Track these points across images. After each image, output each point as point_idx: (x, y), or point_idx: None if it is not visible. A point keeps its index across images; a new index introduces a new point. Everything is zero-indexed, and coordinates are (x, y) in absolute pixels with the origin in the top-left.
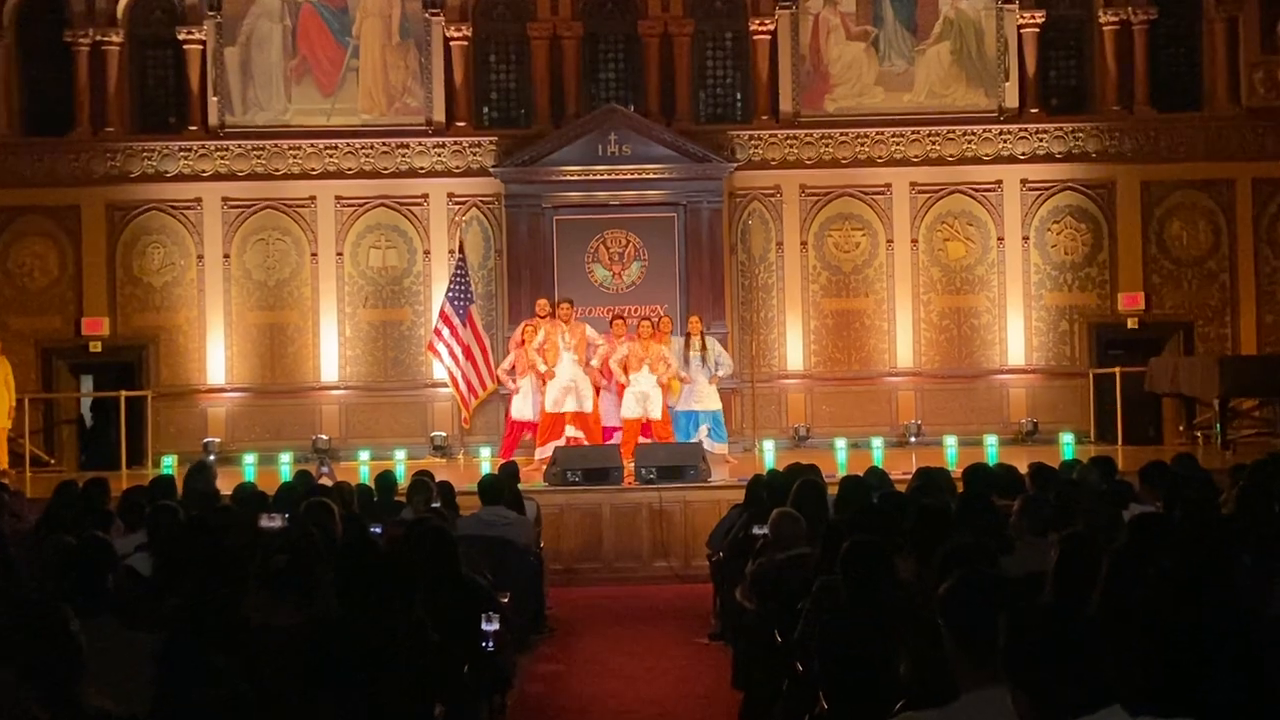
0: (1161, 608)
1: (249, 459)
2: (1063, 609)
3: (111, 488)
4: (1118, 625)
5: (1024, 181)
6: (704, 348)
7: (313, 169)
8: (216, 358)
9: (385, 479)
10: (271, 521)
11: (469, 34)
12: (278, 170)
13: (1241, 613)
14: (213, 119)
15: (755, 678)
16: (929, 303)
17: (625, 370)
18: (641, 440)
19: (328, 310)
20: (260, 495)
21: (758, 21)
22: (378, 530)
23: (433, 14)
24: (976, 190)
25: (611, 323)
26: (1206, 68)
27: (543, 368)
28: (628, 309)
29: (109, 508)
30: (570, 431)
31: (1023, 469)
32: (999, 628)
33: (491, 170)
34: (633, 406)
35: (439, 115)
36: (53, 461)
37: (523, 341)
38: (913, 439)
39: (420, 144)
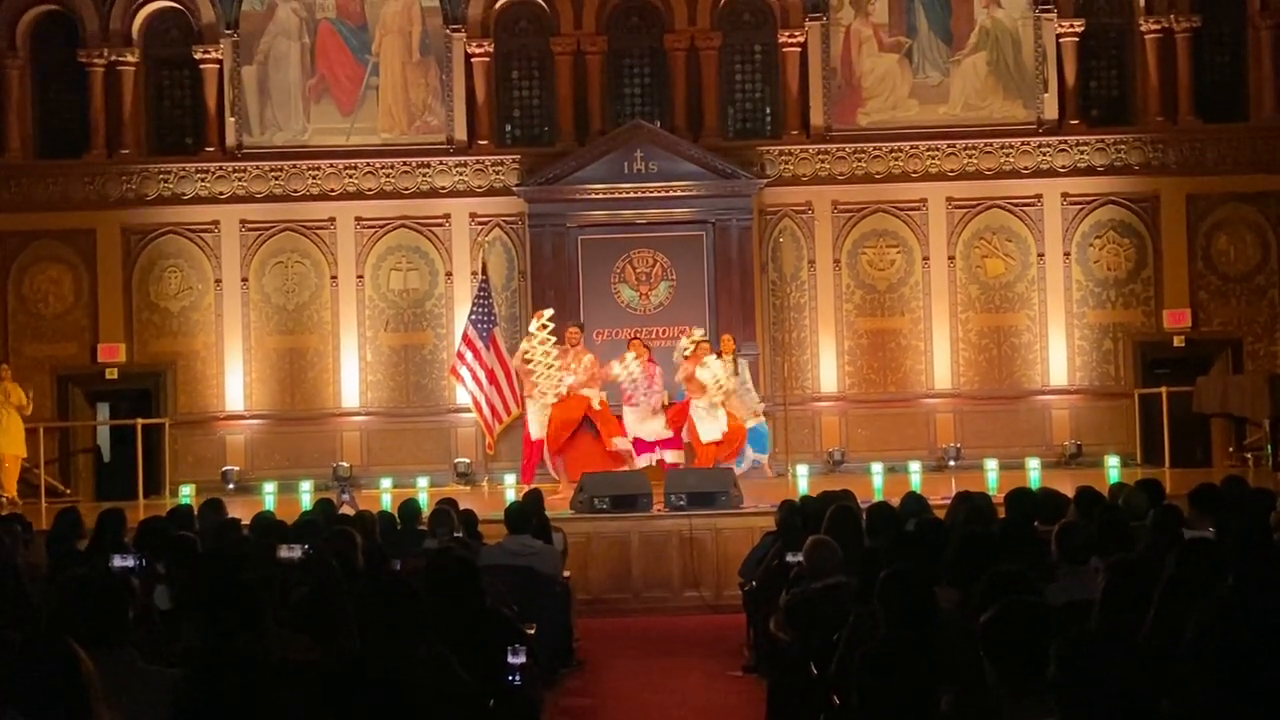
0: (1215, 637)
1: (269, 488)
2: (1115, 638)
3: (129, 518)
4: (1169, 655)
5: (1065, 195)
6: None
7: (332, 190)
8: (235, 384)
9: (408, 507)
10: (291, 552)
11: (491, 50)
12: (296, 191)
13: None
14: (230, 140)
15: (790, 712)
16: (967, 321)
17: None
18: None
19: (348, 334)
20: (279, 525)
21: (787, 33)
22: (397, 566)
23: (454, 30)
24: (1015, 205)
25: (629, 343)
26: (1252, 76)
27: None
28: (654, 330)
29: (124, 539)
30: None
31: (1067, 493)
32: (1051, 658)
33: (514, 189)
34: (715, 430)
35: (460, 133)
36: (68, 492)
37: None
38: (952, 463)
39: (442, 163)
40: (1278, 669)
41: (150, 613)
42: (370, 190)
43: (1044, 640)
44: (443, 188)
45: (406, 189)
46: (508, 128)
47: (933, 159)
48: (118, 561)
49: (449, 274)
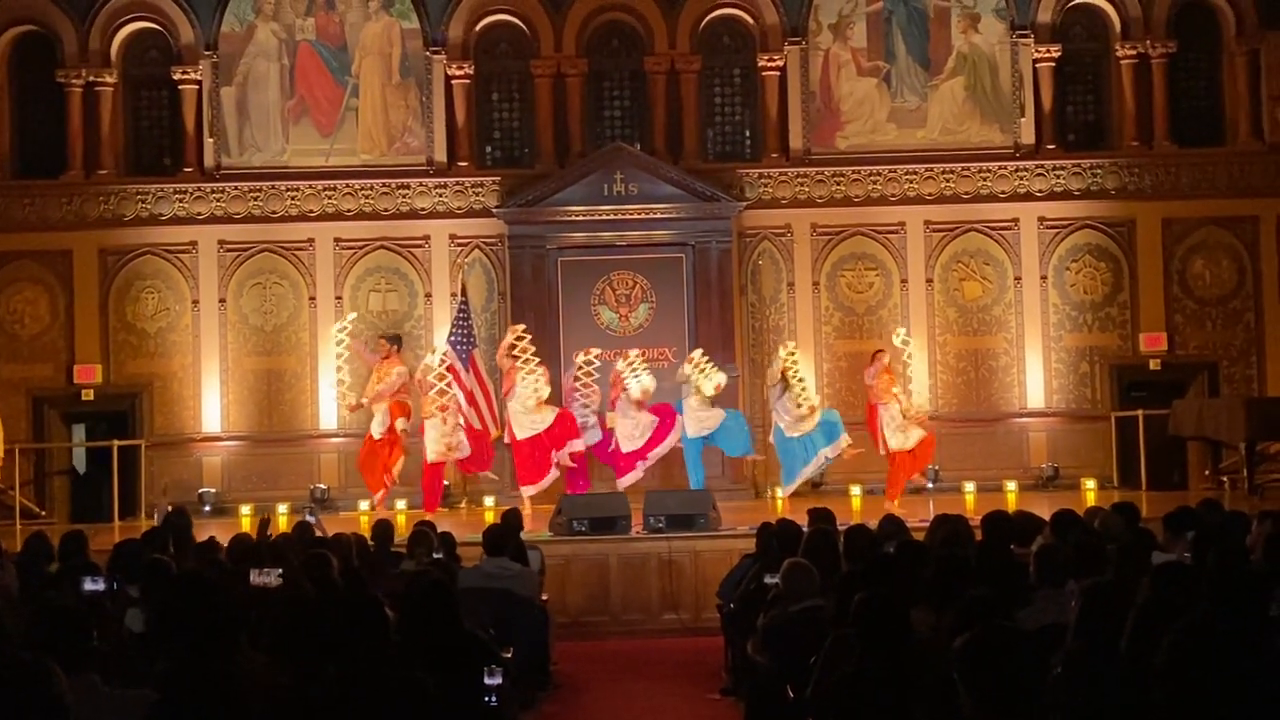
0: (1189, 662)
1: (245, 510)
2: (1095, 662)
3: (104, 540)
4: (1144, 681)
5: (1041, 219)
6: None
7: (311, 211)
8: (212, 405)
9: (382, 530)
10: (264, 577)
11: (471, 72)
12: (275, 212)
13: (1273, 666)
14: (209, 160)
15: None
16: (945, 344)
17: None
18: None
19: (326, 355)
20: (255, 548)
21: (767, 57)
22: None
23: (434, 52)
24: (993, 229)
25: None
26: (1228, 102)
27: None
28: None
29: (93, 561)
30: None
31: (1044, 515)
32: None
33: (494, 211)
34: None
35: (440, 155)
36: (44, 514)
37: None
38: (930, 485)
39: (421, 184)
40: (1249, 693)
41: (122, 636)
42: (349, 211)
43: (1017, 665)
44: (422, 209)
45: (386, 210)
46: (488, 149)
47: (911, 183)
48: (88, 585)
49: (428, 295)
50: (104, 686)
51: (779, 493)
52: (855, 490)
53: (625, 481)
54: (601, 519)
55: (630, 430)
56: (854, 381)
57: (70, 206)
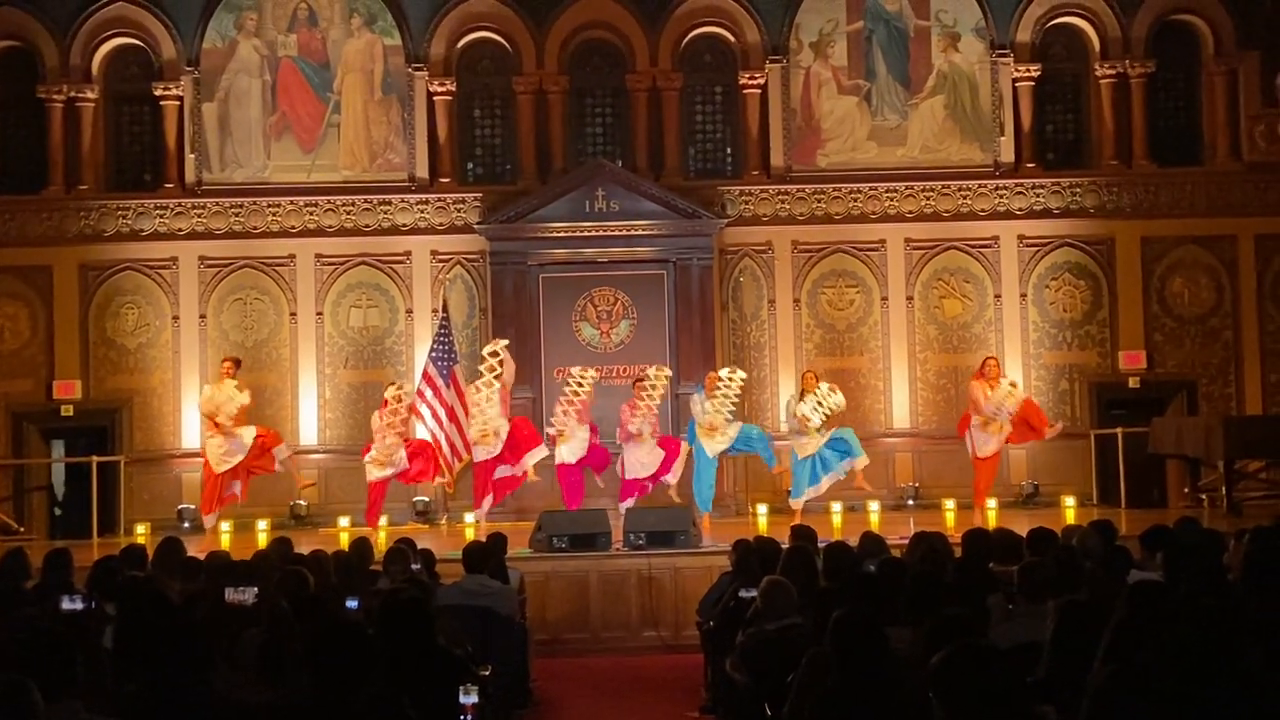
0: (1164, 680)
1: (225, 526)
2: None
3: (83, 557)
4: (1119, 698)
5: (1021, 237)
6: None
7: (292, 227)
8: (191, 421)
9: (360, 546)
10: (240, 595)
11: (453, 89)
12: (256, 228)
13: (1248, 686)
14: (190, 176)
15: None
16: (925, 361)
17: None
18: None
19: (307, 372)
20: (232, 565)
21: (748, 75)
22: (354, 605)
23: (416, 69)
24: (973, 246)
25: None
26: (1206, 121)
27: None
28: (615, 368)
29: (72, 579)
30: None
31: (1024, 533)
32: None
33: (476, 227)
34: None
35: (422, 171)
36: (22, 530)
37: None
38: (910, 502)
39: (403, 200)
40: (1228, 709)
41: (99, 655)
42: (331, 227)
43: (993, 682)
44: (404, 225)
45: (367, 226)
46: (469, 166)
47: (891, 200)
48: (66, 604)
49: (409, 311)
50: (85, 714)
51: (790, 503)
52: (835, 507)
53: (625, 505)
54: (581, 535)
55: (639, 459)
56: None
57: (50, 222)
